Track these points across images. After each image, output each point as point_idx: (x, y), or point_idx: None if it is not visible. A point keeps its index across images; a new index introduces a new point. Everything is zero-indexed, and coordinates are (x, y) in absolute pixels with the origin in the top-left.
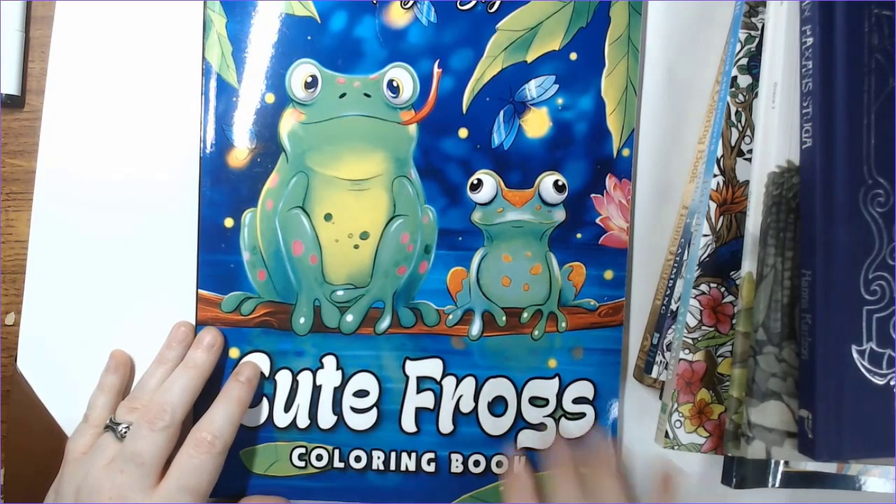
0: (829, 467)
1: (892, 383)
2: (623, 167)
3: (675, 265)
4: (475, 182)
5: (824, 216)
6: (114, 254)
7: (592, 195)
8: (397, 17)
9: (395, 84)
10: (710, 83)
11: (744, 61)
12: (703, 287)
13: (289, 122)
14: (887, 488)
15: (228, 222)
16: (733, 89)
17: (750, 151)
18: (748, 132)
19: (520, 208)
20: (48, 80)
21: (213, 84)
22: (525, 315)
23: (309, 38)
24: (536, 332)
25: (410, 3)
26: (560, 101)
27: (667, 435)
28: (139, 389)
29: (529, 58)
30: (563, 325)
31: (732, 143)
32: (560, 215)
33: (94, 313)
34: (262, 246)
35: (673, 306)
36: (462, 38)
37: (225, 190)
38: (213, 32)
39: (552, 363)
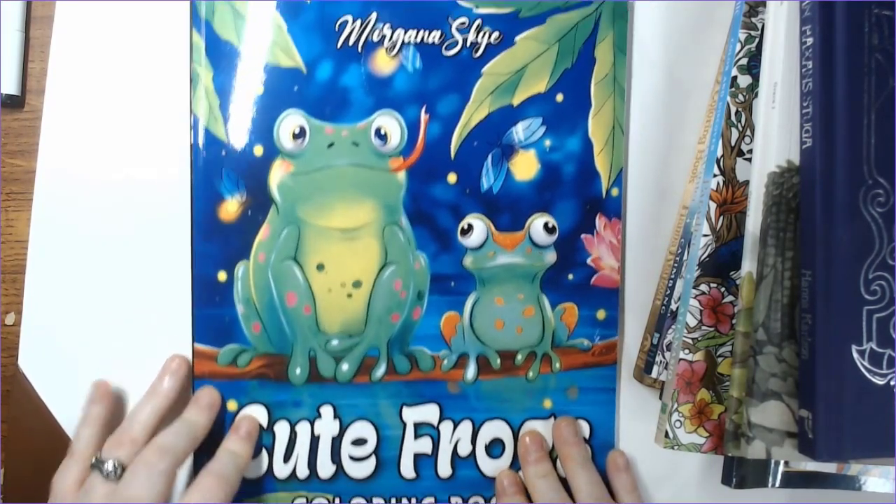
0: (829, 467)
1: (892, 383)
2: (612, 207)
3: (675, 265)
4: (465, 227)
5: (824, 216)
6: (114, 255)
7: (583, 235)
8: (383, 64)
9: (382, 132)
10: (710, 83)
11: (744, 61)
12: (703, 287)
13: (278, 174)
14: (887, 488)
15: (221, 276)
16: (733, 89)
17: (750, 151)
18: (748, 132)
19: (511, 251)
20: (48, 80)
21: (201, 137)
22: (519, 357)
23: (296, 88)
24: (531, 374)
25: (396, 50)
26: (548, 142)
27: (667, 435)
28: (128, 423)
29: (516, 101)
30: (558, 365)
31: (732, 143)
32: (551, 257)
33: (94, 313)
34: (256, 298)
35: (673, 306)
36: (448, 84)
37: (217, 243)
38: (200, 86)
39: (547, 403)
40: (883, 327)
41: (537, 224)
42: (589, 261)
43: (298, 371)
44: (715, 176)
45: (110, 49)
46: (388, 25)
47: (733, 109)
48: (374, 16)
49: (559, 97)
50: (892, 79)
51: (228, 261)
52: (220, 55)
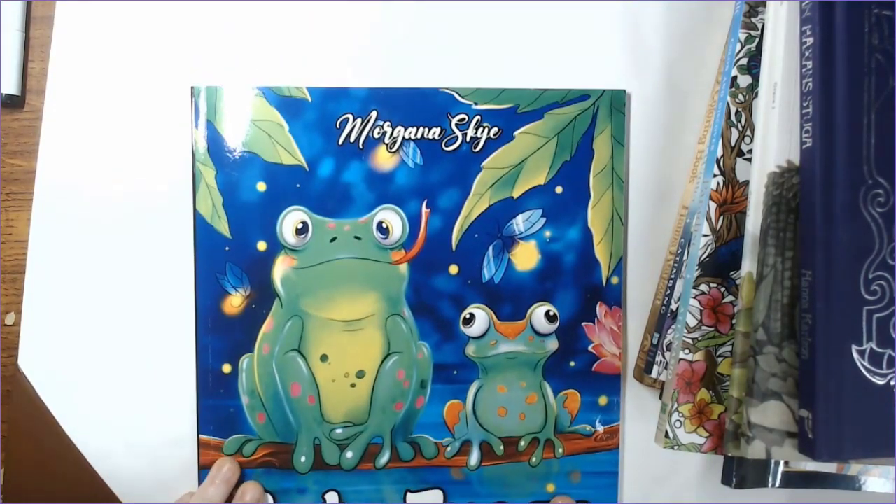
0: (829, 467)
1: (892, 383)
2: (613, 295)
3: (675, 265)
4: (467, 316)
5: (824, 216)
6: (114, 254)
7: (584, 323)
8: (384, 160)
9: (384, 226)
10: (710, 83)
11: (744, 61)
12: (703, 287)
13: (281, 268)
14: (887, 488)
15: (226, 368)
16: (733, 89)
17: (750, 151)
18: (748, 132)
19: (513, 340)
20: (48, 80)
21: (205, 234)
22: (522, 443)
23: (298, 185)
24: (534, 459)
25: (396, 146)
26: (548, 233)
27: (667, 435)
28: None
29: (516, 193)
30: (560, 450)
31: (732, 143)
32: (553, 345)
33: (94, 313)
34: (261, 389)
35: (673, 306)
36: (448, 178)
37: (221, 337)
38: (203, 184)
39: (550, 488)
40: (883, 327)
41: (539, 313)
42: (590, 348)
43: (303, 459)
44: (715, 176)
45: (110, 49)
46: (388, 123)
47: (733, 109)
48: (374, 114)
49: (558, 189)
50: (892, 79)
51: (233, 353)
52: (222, 153)
